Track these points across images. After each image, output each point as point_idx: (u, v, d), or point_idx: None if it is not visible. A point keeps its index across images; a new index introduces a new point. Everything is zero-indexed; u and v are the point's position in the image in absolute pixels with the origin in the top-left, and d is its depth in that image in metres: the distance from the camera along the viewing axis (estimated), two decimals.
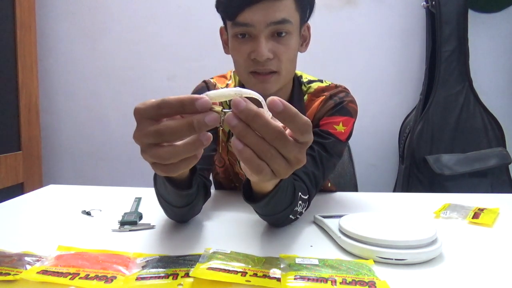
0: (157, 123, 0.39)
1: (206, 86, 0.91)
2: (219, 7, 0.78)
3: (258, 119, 0.38)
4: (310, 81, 0.89)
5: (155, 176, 0.62)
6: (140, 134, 0.40)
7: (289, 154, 0.41)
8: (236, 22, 0.73)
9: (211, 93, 0.41)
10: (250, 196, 0.60)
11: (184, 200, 0.63)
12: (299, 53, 0.82)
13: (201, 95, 0.39)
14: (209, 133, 0.41)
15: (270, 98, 0.38)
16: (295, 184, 0.66)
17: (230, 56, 0.81)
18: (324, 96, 0.85)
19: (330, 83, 0.89)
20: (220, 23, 0.84)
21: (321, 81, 0.89)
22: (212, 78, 0.94)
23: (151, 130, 0.39)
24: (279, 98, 0.38)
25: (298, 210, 0.67)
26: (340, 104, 0.83)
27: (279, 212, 0.63)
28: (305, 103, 0.87)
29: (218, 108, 0.40)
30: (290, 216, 0.66)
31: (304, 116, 0.40)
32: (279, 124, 0.40)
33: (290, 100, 0.86)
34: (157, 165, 0.42)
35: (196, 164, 0.76)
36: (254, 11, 0.71)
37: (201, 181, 0.74)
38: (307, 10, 0.80)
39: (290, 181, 0.63)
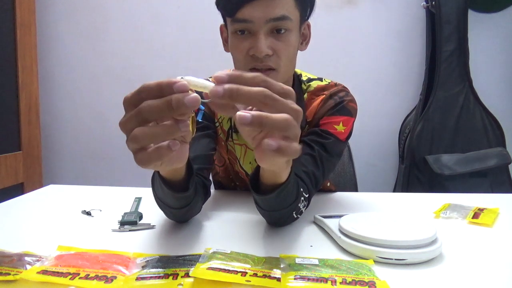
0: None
1: None
2: (219, 3, 0.77)
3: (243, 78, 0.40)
4: (310, 80, 0.89)
5: (153, 178, 0.62)
6: (124, 119, 0.41)
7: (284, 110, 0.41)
8: (235, 19, 0.73)
9: (189, 78, 0.41)
10: (258, 190, 0.60)
11: (181, 202, 0.63)
12: (299, 52, 0.82)
13: (179, 79, 0.39)
14: (187, 121, 0.41)
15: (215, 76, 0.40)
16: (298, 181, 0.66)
17: (230, 55, 0.81)
18: (324, 95, 0.85)
19: (329, 81, 0.89)
20: (220, 22, 0.84)
21: (321, 79, 0.89)
22: (211, 77, 0.94)
23: (132, 112, 0.40)
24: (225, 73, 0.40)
25: (300, 207, 0.68)
26: (340, 103, 0.83)
27: (285, 208, 0.63)
28: (305, 102, 0.87)
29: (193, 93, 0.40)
30: (293, 213, 0.66)
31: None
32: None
33: None
34: (135, 153, 0.41)
35: (196, 163, 0.76)
36: (253, 7, 0.71)
37: (200, 181, 0.74)
38: (307, 8, 0.80)
39: (295, 177, 0.64)
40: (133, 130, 0.40)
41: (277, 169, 0.53)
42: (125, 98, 0.41)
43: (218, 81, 0.39)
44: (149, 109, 0.38)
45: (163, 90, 0.39)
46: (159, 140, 0.40)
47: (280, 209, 0.64)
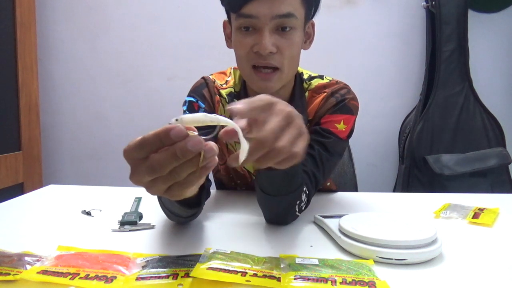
0: (146, 160, 0.39)
1: (205, 82, 0.90)
2: None
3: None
4: (311, 78, 0.89)
5: None
6: (137, 177, 0.40)
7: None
8: (240, 14, 0.72)
9: (186, 117, 0.40)
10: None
11: (192, 211, 0.63)
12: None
13: (175, 125, 0.39)
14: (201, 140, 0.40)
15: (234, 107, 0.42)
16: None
17: (230, 56, 0.81)
18: (325, 93, 0.85)
19: (330, 79, 0.89)
20: (221, 20, 0.83)
21: (322, 77, 0.89)
22: (212, 74, 0.93)
23: (143, 169, 0.39)
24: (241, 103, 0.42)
25: (302, 203, 0.68)
26: (342, 102, 0.83)
27: (292, 192, 0.63)
28: (306, 100, 0.87)
29: (193, 134, 0.39)
30: (296, 205, 0.66)
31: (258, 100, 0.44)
32: None
33: (291, 98, 0.86)
34: (172, 189, 0.41)
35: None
36: (259, 3, 0.70)
37: None
38: (313, 6, 0.79)
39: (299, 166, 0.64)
40: (161, 178, 0.40)
41: None
42: (125, 151, 0.40)
43: (238, 113, 0.42)
44: (159, 165, 0.38)
45: (163, 141, 0.38)
46: (192, 169, 0.40)
47: (287, 194, 0.63)
